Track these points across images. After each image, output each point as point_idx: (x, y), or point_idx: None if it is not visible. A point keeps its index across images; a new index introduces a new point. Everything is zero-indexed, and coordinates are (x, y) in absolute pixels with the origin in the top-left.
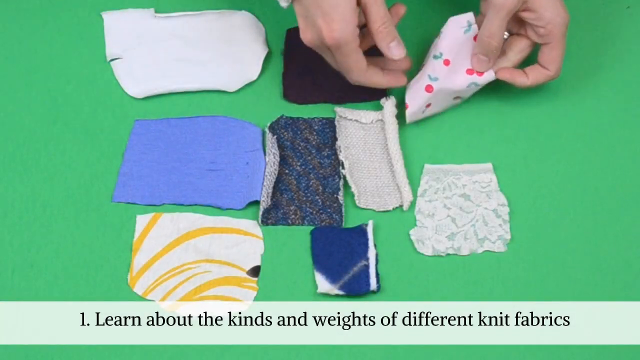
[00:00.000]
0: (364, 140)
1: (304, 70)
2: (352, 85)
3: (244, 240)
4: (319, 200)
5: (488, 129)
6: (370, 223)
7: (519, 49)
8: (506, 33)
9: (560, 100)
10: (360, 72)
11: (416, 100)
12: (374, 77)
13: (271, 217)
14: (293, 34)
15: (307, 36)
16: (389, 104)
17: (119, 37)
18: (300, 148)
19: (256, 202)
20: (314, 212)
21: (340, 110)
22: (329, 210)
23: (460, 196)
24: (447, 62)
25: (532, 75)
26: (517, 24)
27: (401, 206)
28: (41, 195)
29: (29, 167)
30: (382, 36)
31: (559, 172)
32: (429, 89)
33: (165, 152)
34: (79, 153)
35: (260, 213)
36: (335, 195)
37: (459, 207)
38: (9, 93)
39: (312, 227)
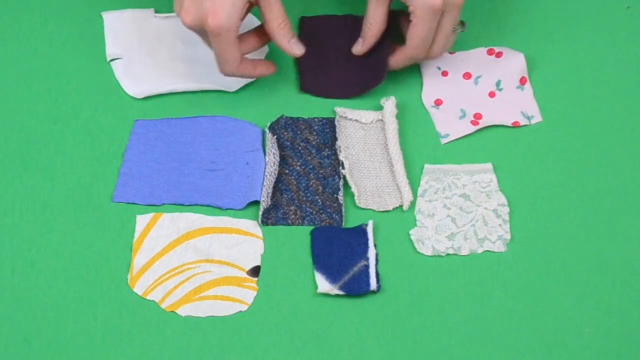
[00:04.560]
0: (364, 141)
1: (320, 61)
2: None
3: (244, 240)
4: (319, 200)
5: (488, 129)
6: (370, 223)
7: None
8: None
9: (560, 100)
10: (235, 63)
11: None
12: (246, 69)
13: (271, 217)
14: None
15: (188, 16)
16: (389, 104)
17: (119, 37)
18: (300, 148)
19: (256, 202)
20: (314, 212)
21: (340, 110)
22: (329, 210)
23: (460, 196)
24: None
25: (394, 55)
26: None
27: (401, 206)
28: (41, 195)
29: (29, 167)
30: (282, 33)
31: (559, 172)
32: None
33: (165, 152)
34: (79, 153)
35: (260, 213)
36: (335, 195)
37: (459, 207)
38: (9, 93)
39: (312, 227)
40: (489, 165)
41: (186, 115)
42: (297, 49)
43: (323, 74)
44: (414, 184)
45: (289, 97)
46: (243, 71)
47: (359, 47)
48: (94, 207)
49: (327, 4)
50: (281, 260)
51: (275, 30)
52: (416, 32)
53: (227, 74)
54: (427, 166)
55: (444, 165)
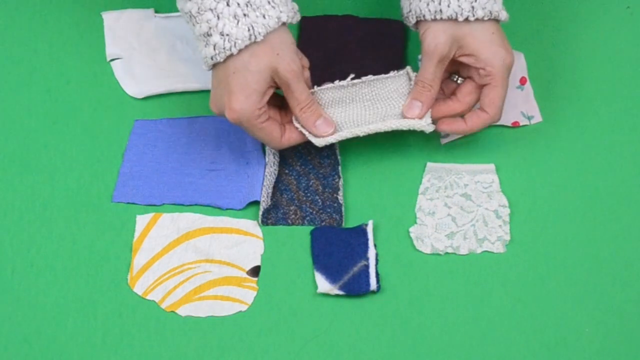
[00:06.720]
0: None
1: (320, 61)
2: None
3: (244, 240)
4: (319, 200)
5: (488, 129)
6: (370, 223)
7: (467, 91)
8: (460, 78)
9: (560, 100)
10: (276, 142)
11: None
12: (292, 139)
13: (271, 217)
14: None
15: (214, 108)
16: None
17: (119, 37)
18: (300, 148)
19: (256, 202)
20: (314, 212)
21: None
22: (329, 210)
23: (461, 195)
24: None
25: (470, 120)
26: (465, 68)
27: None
28: (41, 195)
29: (29, 167)
30: (305, 117)
31: (559, 172)
32: None
33: (165, 152)
34: (79, 153)
35: (260, 213)
36: (335, 195)
37: (460, 207)
38: (9, 93)
39: (312, 227)
40: (492, 166)
41: (186, 115)
42: (323, 130)
43: (324, 74)
44: (415, 182)
45: None
46: (289, 142)
47: (418, 111)
48: (94, 207)
49: (327, 4)
50: (281, 260)
51: (299, 114)
52: (498, 95)
53: (278, 150)
54: (429, 164)
55: (447, 164)
